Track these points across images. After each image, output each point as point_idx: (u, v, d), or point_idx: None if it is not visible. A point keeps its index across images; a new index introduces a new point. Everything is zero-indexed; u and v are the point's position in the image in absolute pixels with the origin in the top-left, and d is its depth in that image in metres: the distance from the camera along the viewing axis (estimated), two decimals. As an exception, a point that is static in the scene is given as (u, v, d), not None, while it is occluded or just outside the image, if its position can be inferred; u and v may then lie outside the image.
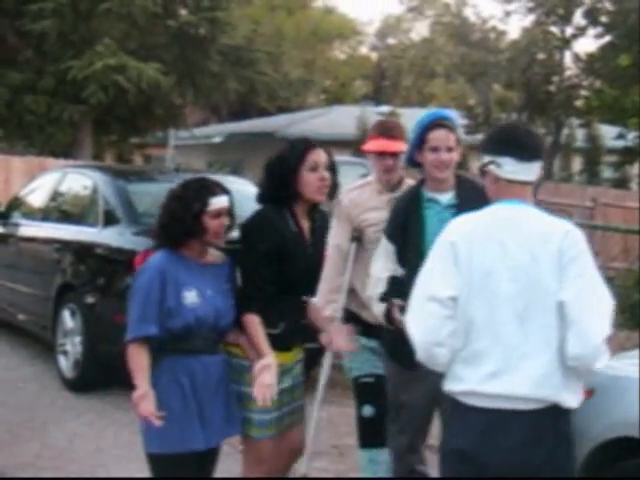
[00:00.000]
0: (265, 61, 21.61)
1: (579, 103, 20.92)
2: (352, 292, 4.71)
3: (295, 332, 4.21)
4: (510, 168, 3.28)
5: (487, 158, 3.35)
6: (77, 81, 17.58)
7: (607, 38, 17.68)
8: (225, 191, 3.92)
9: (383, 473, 4.65)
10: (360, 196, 4.68)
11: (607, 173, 22.89)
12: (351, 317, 4.70)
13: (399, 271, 4.32)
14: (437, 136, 4.30)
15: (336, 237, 4.67)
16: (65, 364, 7.81)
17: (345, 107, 28.57)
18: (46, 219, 9.00)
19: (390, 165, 4.65)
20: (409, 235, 4.32)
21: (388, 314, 4.22)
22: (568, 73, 20.79)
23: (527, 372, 3.10)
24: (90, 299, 7.53)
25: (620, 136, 17.53)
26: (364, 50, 47.18)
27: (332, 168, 4.19)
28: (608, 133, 21.31)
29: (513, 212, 3.27)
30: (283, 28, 32.20)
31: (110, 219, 7.74)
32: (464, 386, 3.19)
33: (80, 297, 7.69)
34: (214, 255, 4.01)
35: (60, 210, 9.04)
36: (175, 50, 19.78)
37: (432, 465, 4.67)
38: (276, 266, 4.05)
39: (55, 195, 9.17)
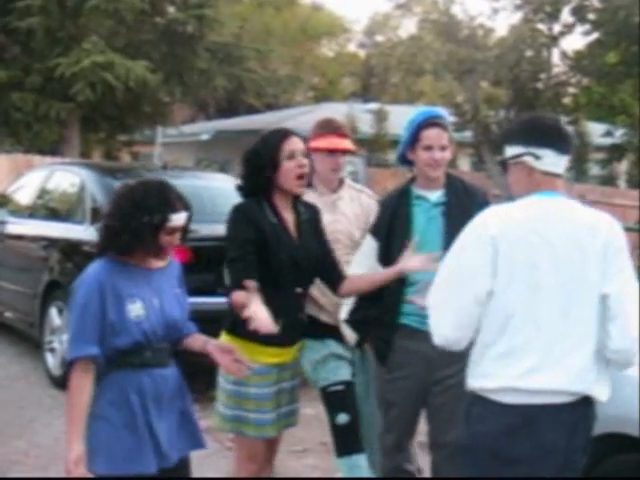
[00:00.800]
0: (253, 58, 21.57)
1: (567, 100, 20.96)
2: (309, 297, 4.58)
3: (295, 327, 4.13)
4: (550, 160, 3.19)
5: (520, 149, 3.22)
6: (64, 78, 17.52)
7: (595, 35, 17.70)
8: (186, 207, 3.54)
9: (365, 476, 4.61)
10: None
11: (595, 170, 22.95)
12: (311, 321, 4.57)
13: (379, 270, 4.32)
14: (430, 135, 4.28)
15: None
16: (52, 362, 7.79)
17: (333, 104, 28.57)
18: (33, 216, 8.97)
19: (340, 163, 4.67)
20: (395, 231, 4.31)
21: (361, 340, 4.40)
22: (556, 70, 20.80)
23: (568, 366, 3.06)
24: (77, 297, 7.50)
25: (608, 133, 17.60)
26: (352, 47, 47.24)
27: (308, 156, 4.13)
28: (596, 130, 21.37)
29: (554, 204, 3.19)
30: (271, 25, 32.19)
31: (97, 216, 7.69)
32: (499, 382, 3.09)
33: (67, 294, 7.64)
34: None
35: (47, 207, 9.00)
36: (163, 47, 19.72)
37: (420, 461, 4.69)
38: (258, 256, 3.97)
39: (42, 192, 9.13)
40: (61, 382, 7.53)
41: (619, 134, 16.76)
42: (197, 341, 3.68)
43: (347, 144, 4.70)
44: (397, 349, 4.30)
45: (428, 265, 3.93)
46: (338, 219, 4.63)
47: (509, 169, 3.29)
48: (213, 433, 6.00)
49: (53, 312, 7.87)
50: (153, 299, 3.49)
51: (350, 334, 4.39)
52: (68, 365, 3.41)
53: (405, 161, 4.44)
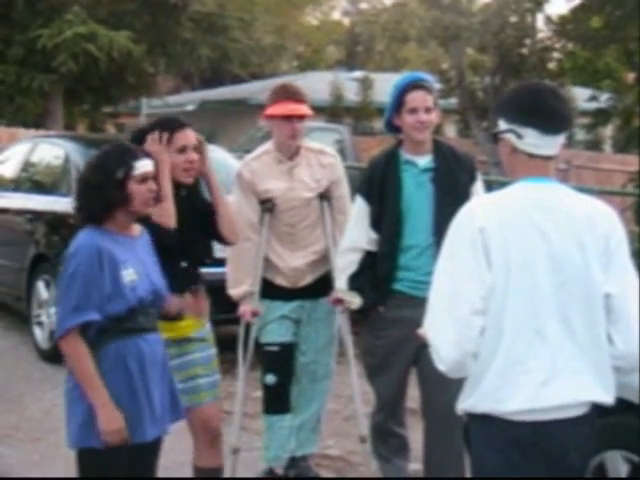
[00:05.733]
0: (237, 27, 21.44)
1: (552, 65, 20.90)
2: (266, 260, 4.71)
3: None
4: (532, 141, 2.81)
5: (505, 125, 2.86)
6: (47, 50, 17.41)
7: (578, 0, 17.62)
8: (148, 155, 3.58)
9: (284, 438, 4.76)
10: (260, 166, 4.58)
11: (580, 135, 22.93)
12: (265, 284, 4.71)
13: (372, 235, 4.33)
14: (415, 97, 4.26)
15: (244, 211, 4.59)
16: (40, 335, 7.78)
17: (318, 73, 28.45)
18: (18, 190, 8.93)
19: (298, 129, 4.61)
20: (385, 198, 4.30)
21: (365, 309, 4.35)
22: (540, 35, 20.74)
23: (579, 376, 2.76)
24: (64, 269, 7.48)
25: (593, 98, 17.56)
26: (336, 15, 46.97)
27: (199, 149, 4.05)
28: (581, 95, 21.34)
29: (545, 192, 2.83)
30: (254, -6, 31.92)
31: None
32: (511, 406, 2.73)
33: (54, 267, 7.62)
34: (135, 227, 3.63)
35: (32, 180, 8.97)
36: (146, 17, 19.59)
37: (412, 429, 4.71)
38: None
39: (26, 165, 9.08)
40: (49, 356, 7.54)
41: (604, 99, 16.73)
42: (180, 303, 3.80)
43: (304, 109, 4.64)
44: (387, 318, 4.31)
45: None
46: (294, 186, 4.66)
47: (499, 142, 2.94)
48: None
49: (40, 285, 7.85)
50: (139, 266, 3.50)
51: (354, 300, 4.38)
52: (62, 334, 3.37)
53: (392, 128, 4.42)
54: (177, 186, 4.03)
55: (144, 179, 3.47)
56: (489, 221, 2.76)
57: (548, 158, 2.86)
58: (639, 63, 15.64)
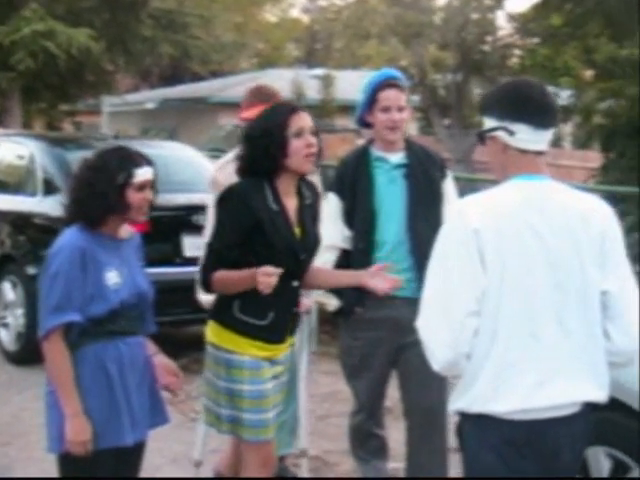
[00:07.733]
0: (197, 25, 21.29)
1: (513, 63, 21.08)
2: None
3: (287, 322, 3.79)
4: (525, 137, 2.78)
5: (494, 122, 2.82)
6: (4, 47, 17.15)
7: (539, -3, 17.80)
8: (149, 162, 3.45)
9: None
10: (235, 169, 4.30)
11: (540, 132, 23.14)
12: None
13: (346, 232, 4.29)
14: (388, 95, 4.23)
15: None
16: (7, 337, 7.67)
17: (279, 70, 28.44)
18: (-19, 189, 8.79)
19: None
20: (357, 194, 4.27)
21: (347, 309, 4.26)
22: (502, 33, 20.94)
23: (574, 376, 2.76)
24: (31, 270, 7.37)
25: (553, 95, 17.79)
26: (295, 13, 47.00)
27: (316, 133, 3.71)
28: (541, 92, 21.53)
29: (539, 190, 2.79)
30: (214, -9, 31.81)
31: (49, 188, 7.57)
32: (505, 406, 2.71)
33: (21, 268, 7.54)
34: (124, 229, 3.55)
35: (-5, 180, 8.83)
36: (105, 15, 19.37)
37: (388, 427, 4.70)
38: (245, 244, 3.61)
39: (-11, 165, 8.94)
40: (16, 358, 7.45)
41: (566, 96, 16.89)
42: (148, 349, 3.63)
43: None
44: (363, 319, 4.27)
45: (390, 289, 3.66)
46: None
47: (486, 143, 2.90)
48: (176, 405, 5.96)
49: (6, 287, 7.73)
50: (124, 269, 3.45)
51: (331, 302, 4.32)
52: (44, 334, 3.34)
53: (363, 123, 4.40)
54: (299, 187, 3.79)
55: (142, 187, 3.40)
56: (483, 222, 2.72)
57: (539, 154, 2.82)
58: (598, 60, 15.81)
